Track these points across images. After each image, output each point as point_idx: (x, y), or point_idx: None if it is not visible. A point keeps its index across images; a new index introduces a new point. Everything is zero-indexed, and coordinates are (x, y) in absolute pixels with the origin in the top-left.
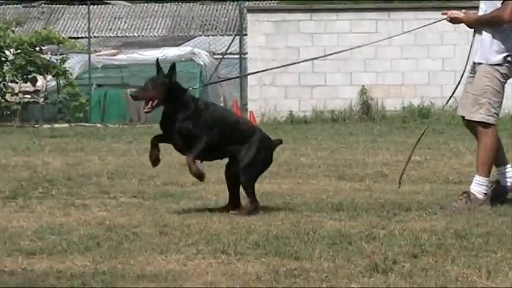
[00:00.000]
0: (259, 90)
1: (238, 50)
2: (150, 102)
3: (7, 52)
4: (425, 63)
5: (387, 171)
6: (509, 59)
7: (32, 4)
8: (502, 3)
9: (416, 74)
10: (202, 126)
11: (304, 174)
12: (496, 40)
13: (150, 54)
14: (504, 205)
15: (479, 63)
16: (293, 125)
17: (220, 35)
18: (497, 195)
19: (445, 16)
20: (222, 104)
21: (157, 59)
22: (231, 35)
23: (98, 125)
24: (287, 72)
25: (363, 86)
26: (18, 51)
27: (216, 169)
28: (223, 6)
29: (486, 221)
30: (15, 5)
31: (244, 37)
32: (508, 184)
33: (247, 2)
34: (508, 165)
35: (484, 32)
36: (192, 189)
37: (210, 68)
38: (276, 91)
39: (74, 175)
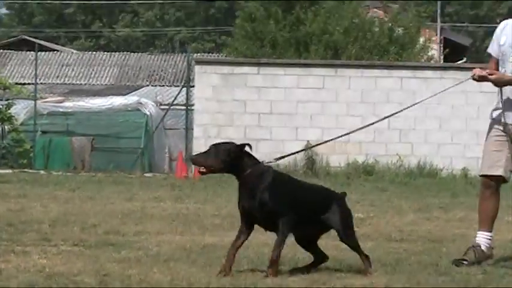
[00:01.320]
0: (204, 142)
1: (185, 101)
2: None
3: None
4: (371, 120)
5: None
6: None
7: None
8: None
9: (362, 132)
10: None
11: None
12: None
13: (97, 103)
14: (445, 265)
15: None
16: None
17: (168, 86)
18: (479, 259)
19: (470, 75)
20: (167, 155)
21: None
22: (178, 86)
23: (42, 171)
24: (233, 126)
25: (308, 141)
26: None
27: (157, 220)
28: (172, 57)
29: (427, 280)
30: None
31: (191, 88)
32: (486, 249)
33: (195, 54)
34: (490, 233)
35: None
36: (133, 239)
37: (156, 118)
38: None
39: (16, 221)
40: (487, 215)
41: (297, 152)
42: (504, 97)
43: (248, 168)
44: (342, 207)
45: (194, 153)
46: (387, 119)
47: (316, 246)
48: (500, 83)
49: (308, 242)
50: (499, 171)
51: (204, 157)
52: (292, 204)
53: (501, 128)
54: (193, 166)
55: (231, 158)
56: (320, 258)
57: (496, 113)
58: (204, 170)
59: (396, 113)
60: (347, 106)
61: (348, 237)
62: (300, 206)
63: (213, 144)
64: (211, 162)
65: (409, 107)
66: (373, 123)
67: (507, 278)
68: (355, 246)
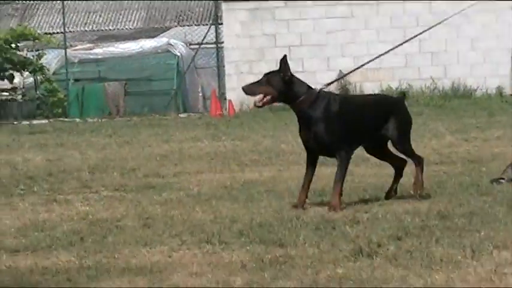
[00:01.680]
0: (236, 78)
1: (214, 40)
2: (264, 98)
3: None
4: (402, 46)
5: (368, 155)
6: None
7: (6, 1)
8: None
9: (393, 57)
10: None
11: (285, 161)
12: None
13: (127, 47)
14: (486, 184)
15: None
16: (272, 112)
17: (196, 25)
18: None
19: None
20: (200, 94)
21: (285, 55)
22: (207, 24)
23: (77, 119)
24: (264, 60)
25: (340, 70)
26: None
27: (195, 160)
28: None
29: (468, 200)
30: None
31: (220, 26)
32: None
33: None
34: None
35: None
36: (173, 180)
37: (187, 58)
38: (253, 79)
39: (55, 171)
40: None
41: (348, 74)
42: None
43: (301, 95)
44: (399, 114)
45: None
46: (418, 42)
47: (389, 153)
48: None
49: (379, 151)
50: None
51: (257, 86)
52: (349, 130)
53: None
54: (227, 104)
55: (284, 83)
56: (398, 167)
57: None
58: (260, 104)
59: (423, 32)
60: (377, 32)
61: (404, 145)
62: (358, 128)
63: (265, 74)
64: (264, 89)
65: (434, 26)
66: (401, 44)
67: None
68: (409, 153)
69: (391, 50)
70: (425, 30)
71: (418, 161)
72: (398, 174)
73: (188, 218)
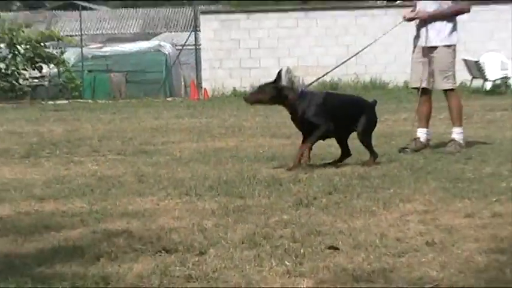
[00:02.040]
0: (209, 72)
1: (194, 42)
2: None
3: (19, 47)
4: (334, 50)
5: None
6: (456, 40)
7: (38, 10)
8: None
9: (327, 57)
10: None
11: (246, 134)
12: (450, 27)
13: (128, 47)
14: (395, 154)
15: (440, 46)
16: (236, 98)
17: (180, 31)
18: (418, 148)
19: (402, 19)
20: (182, 83)
21: (280, 70)
22: (188, 31)
23: (89, 100)
24: (231, 58)
25: (287, 67)
26: (28, 46)
27: (178, 132)
28: (182, 9)
29: (382, 165)
30: (24, 12)
31: (198, 32)
32: (424, 140)
33: (200, 6)
34: (427, 129)
35: (438, 23)
36: (161, 148)
37: (173, 56)
38: (222, 73)
39: (72, 139)
40: (424, 116)
41: (322, 77)
42: (426, 26)
43: (290, 97)
44: (369, 114)
45: (248, 93)
46: (347, 47)
47: (346, 144)
48: (425, 18)
49: (340, 140)
50: (424, 84)
51: (255, 94)
52: (326, 118)
53: (421, 51)
54: (203, 91)
55: (275, 90)
56: (345, 153)
57: (416, 41)
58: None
59: (365, 48)
60: (315, 39)
61: (365, 139)
62: (333, 119)
63: (259, 86)
64: (261, 96)
65: (371, 43)
66: (348, 59)
67: (442, 160)
68: (368, 147)
69: (352, 57)
70: (366, 47)
71: (373, 155)
72: (341, 157)
73: (172, 176)
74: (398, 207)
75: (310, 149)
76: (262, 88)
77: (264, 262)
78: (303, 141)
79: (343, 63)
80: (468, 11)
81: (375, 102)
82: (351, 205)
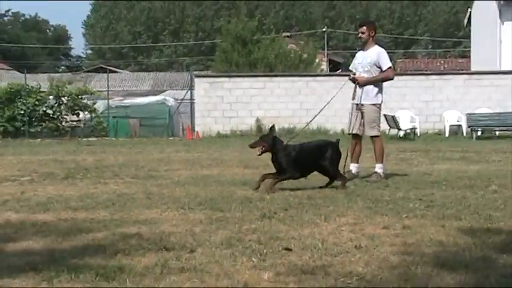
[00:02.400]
0: (201, 119)
1: (189, 98)
2: (262, 148)
3: (63, 98)
4: (291, 105)
5: (270, 163)
6: (382, 100)
7: (77, 72)
8: (385, 70)
9: (286, 111)
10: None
11: (226, 165)
12: (376, 91)
13: (141, 100)
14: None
15: (367, 104)
16: (220, 139)
17: (180, 89)
18: (350, 178)
19: (348, 78)
20: (181, 127)
21: (273, 125)
22: (186, 89)
23: (113, 138)
24: (217, 110)
25: (257, 117)
26: (69, 98)
27: (177, 163)
28: (182, 73)
29: (324, 190)
30: (67, 73)
31: (193, 90)
32: (355, 172)
33: (195, 71)
34: (358, 164)
35: (368, 87)
36: (165, 173)
37: (174, 107)
38: (210, 120)
39: (99, 166)
40: (355, 154)
41: (302, 129)
42: (358, 90)
43: (277, 147)
44: (334, 151)
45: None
46: (300, 104)
47: (328, 173)
48: (362, 82)
49: (324, 172)
50: (356, 131)
51: (256, 143)
52: (295, 165)
53: (355, 106)
54: (195, 133)
55: (270, 142)
56: (331, 179)
57: (352, 99)
58: (259, 153)
59: (327, 103)
60: (278, 97)
61: (333, 169)
62: (303, 163)
63: (260, 136)
64: (260, 143)
65: (330, 100)
66: (319, 112)
67: (367, 187)
68: (336, 175)
69: (321, 110)
70: (328, 103)
71: (342, 181)
72: (330, 182)
73: (172, 194)
74: (335, 220)
75: (276, 183)
76: (262, 138)
77: (237, 259)
78: (276, 175)
79: (315, 116)
80: (392, 78)
81: (338, 140)
82: (301, 218)
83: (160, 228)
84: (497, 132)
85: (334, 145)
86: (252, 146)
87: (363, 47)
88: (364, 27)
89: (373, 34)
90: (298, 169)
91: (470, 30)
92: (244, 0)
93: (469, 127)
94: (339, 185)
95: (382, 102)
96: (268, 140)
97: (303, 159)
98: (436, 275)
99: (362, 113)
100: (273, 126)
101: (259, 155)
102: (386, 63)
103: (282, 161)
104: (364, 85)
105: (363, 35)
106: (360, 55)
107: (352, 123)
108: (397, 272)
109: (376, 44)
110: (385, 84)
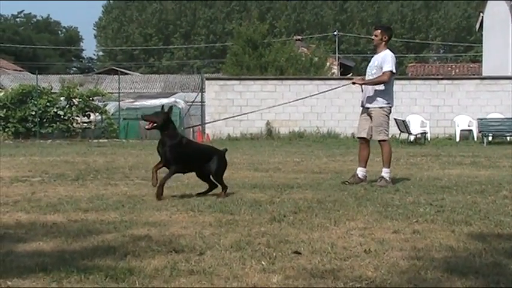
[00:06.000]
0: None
1: (200, 100)
2: (151, 124)
3: (74, 100)
4: (301, 109)
5: (281, 166)
6: (390, 103)
7: (88, 74)
8: (383, 72)
9: (297, 114)
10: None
11: (235, 168)
12: (379, 93)
13: (152, 102)
14: (345, 185)
15: (375, 107)
16: (230, 141)
17: (191, 92)
18: (356, 181)
19: (350, 82)
20: (191, 129)
21: (163, 104)
22: (196, 92)
23: (123, 140)
24: (227, 112)
25: (267, 120)
26: (80, 100)
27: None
28: (193, 76)
29: (334, 193)
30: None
31: (204, 93)
32: (361, 176)
33: (205, 74)
34: (365, 168)
35: (371, 90)
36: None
37: (185, 110)
38: (220, 123)
39: (110, 167)
40: (363, 158)
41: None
42: (365, 92)
43: (167, 130)
44: (220, 159)
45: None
46: (311, 107)
47: (210, 179)
48: (368, 84)
49: (203, 177)
50: (363, 134)
51: (150, 116)
52: (181, 158)
53: (365, 110)
54: (206, 135)
55: (161, 121)
56: (211, 187)
57: (362, 102)
58: (148, 126)
59: (314, 95)
60: (288, 100)
61: (217, 177)
62: (188, 159)
63: (155, 111)
64: (153, 119)
65: (319, 93)
66: (303, 98)
67: (377, 191)
68: (220, 183)
69: (295, 100)
70: (314, 94)
71: (224, 189)
72: (209, 189)
73: (181, 196)
74: (345, 224)
75: (157, 170)
76: (156, 113)
77: (247, 262)
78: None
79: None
80: (387, 80)
81: (225, 150)
82: (310, 222)
83: (170, 231)
84: (508, 138)
85: (222, 153)
86: (145, 118)
87: (375, 50)
88: (378, 31)
89: (386, 39)
90: (181, 160)
91: (482, 35)
92: (256, 0)
93: (480, 132)
94: (220, 193)
95: (391, 106)
96: (162, 118)
97: (190, 155)
98: (446, 280)
99: (370, 117)
100: (171, 107)
101: (148, 129)
102: (386, 66)
103: (168, 148)
104: (367, 88)
105: (376, 38)
106: (372, 58)
107: (361, 127)
108: (407, 277)
109: (388, 48)
110: (395, 88)
